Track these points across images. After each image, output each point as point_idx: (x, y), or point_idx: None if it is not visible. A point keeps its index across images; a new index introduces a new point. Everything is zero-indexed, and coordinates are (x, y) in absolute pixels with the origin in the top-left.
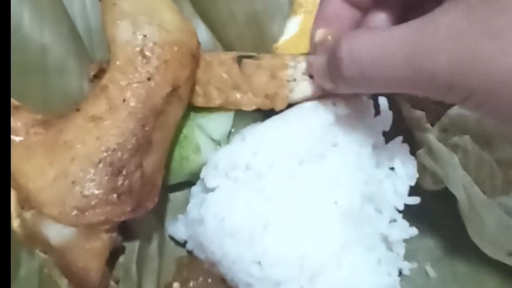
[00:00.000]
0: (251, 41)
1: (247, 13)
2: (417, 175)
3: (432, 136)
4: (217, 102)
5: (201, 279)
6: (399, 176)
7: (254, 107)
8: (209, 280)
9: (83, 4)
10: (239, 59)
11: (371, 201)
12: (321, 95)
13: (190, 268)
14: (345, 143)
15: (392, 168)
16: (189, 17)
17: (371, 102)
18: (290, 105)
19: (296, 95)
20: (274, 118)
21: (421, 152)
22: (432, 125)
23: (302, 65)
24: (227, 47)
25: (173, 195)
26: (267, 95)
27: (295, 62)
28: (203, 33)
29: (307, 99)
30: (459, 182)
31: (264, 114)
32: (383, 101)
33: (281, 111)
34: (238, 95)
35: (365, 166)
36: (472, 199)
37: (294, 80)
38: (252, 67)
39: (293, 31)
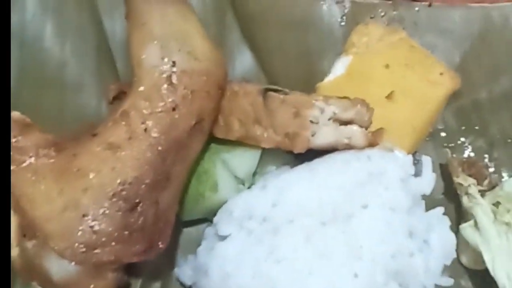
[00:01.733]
0: (298, 76)
1: (299, 47)
2: (454, 255)
3: (481, 211)
4: (236, 134)
5: None
6: (433, 252)
7: (272, 146)
8: None
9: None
10: (265, 92)
11: (397, 277)
12: (354, 147)
13: None
14: (376, 206)
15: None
16: (235, 43)
17: (411, 160)
18: (318, 153)
19: (318, 139)
20: (301, 167)
21: (465, 226)
22: (483, 195)
23: (331, 109)
24: (270, 79)
25: (187, 230)
26: (287, 134)
27: (325, 104)
28: (248, 60)
29: (335, 148)
30: (505, 269)
31: (295, 157)
32: (426, 160)
33: (309, 158)
34: (258, 131)
35: (395, 235)
36: None
37: (318, 123)
38: (276, 101)
39: (340, 72)
